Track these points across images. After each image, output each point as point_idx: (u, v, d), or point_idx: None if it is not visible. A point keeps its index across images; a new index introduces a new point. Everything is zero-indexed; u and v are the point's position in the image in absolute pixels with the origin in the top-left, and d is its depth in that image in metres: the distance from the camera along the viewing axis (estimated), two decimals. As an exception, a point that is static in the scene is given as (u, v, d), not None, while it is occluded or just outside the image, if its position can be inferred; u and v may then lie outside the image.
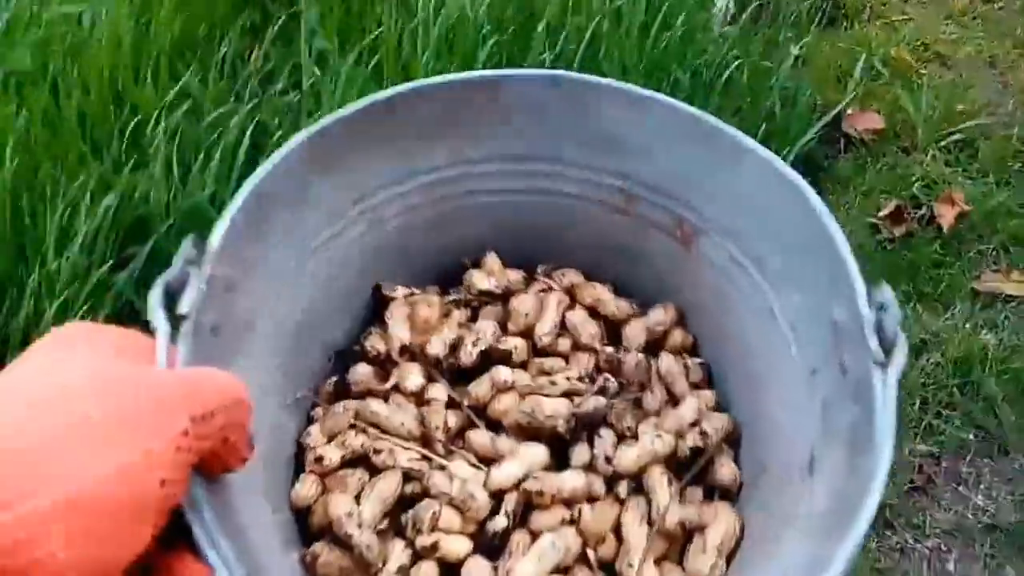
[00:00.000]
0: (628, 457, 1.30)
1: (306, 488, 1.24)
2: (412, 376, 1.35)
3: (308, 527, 1.23)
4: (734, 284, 1.36)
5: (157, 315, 0.85)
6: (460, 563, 1.19)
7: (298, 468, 1.29)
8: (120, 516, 0.58)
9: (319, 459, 1.26)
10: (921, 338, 2.18)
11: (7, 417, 0.56)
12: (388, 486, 1.22)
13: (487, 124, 1.37)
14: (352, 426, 1.30)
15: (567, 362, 1.44)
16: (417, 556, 1.19)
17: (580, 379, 1.40)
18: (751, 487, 1.29)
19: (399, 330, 1.39)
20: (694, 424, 1.35)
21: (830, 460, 1.08)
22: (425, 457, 1.27)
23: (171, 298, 0.92)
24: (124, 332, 0.73)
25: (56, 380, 0.60)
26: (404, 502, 1.25)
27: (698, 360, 1.44)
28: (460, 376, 1.40)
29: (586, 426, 1.32)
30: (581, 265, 1.54)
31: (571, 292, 1.51)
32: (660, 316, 1.46)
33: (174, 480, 0.63)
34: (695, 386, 1.43)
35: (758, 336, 1.32)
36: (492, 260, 1.52)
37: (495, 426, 1.36)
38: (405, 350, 1.39)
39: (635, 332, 1.44)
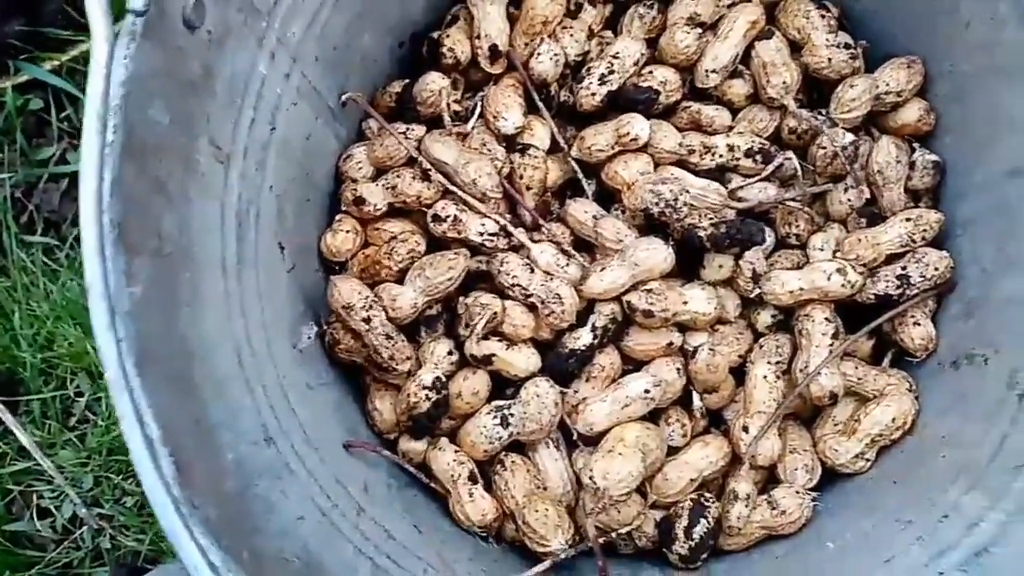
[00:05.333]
0: (786, 284, 0.91)
1: (339, 239, 0.92)
2: (511, 111, 0.93)
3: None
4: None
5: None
6: (519, 380, 0.90)
7: (334, 205, 0.95)
8: None
9: (359, 200, 0.92)
10: None
11: None
12: (441, 273, 0.87)
13: None
14: (411, 162, 0.93)
15: (734, 118, 0.99)
16: (465, 362, 0.89)
17: (750, 152, 0.95)
18: (945, 367, 0.90)
19: (491, 24, 0.94)
20: (896, 257, 0.93)
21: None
22: (503, 229, 0.91)
23: None
24: None
25: None
26: (469, 282, 0.92)
27: (932, 157, 0.96)
28: (572, 115, 0.98)
29: (737, 231, 0.91)
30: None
31: (771, 10, 0.99)
32: (898, 78, 0.94)
33: None
34: (915, 197, 0.97)
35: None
36: (663, -68, 0.98)
37: (607, 197, 0.97)
38: (497, 55, 0.94)
39: (852, 95, 0.94)
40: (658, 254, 0.89)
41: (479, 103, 0.95)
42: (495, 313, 0.87)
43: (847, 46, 0.95)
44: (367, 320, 0.85)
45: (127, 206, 0.58)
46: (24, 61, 1.33)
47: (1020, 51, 0.84)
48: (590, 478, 0.83)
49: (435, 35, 0.96)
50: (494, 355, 0.88)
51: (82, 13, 1.44)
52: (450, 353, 0.88)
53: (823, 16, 0.95)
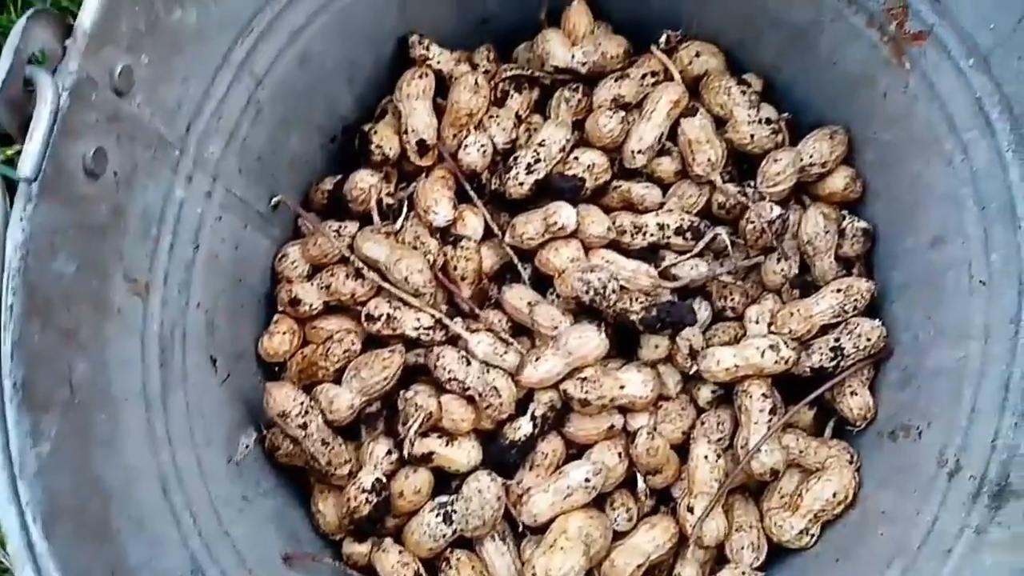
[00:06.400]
0: (721, 361, 0.91)
1: (276, 341, 0.92)
2: (441, 204, 0.93)
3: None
4: (956, 134, 0.83)
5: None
6: (463, 474, 0.90)
7: (271, 305, 0.96)
8: None
9: (295, 301, 0.93)
10: None
11: None
12: (376, 373, 0.88)
13: None
14: (344, 260, 0.94)
15: (665, 194, 0.99)
16: (404, 461, 0.90)
17: (680, 230, 0.96)
18: (884, 437, 0.90)
19: (418, 118, 0.95)
20: (830, 328, 0.93)
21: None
22: (439, 322, 0.91)
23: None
24: None
25: None
26: (410, 375, 0.92)
27: (861, 224, 0.96)
28: (506, 201, 0.98)
29: (667, 313, 0.91)
30: (724, 43, 1.00)
31: (696, 86, 1.00)
32: (821, 149, 0.95)
33: None
34: (848, 264, 0.97)
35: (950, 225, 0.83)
36: (578, 15, 0.99)
37: (545, 279, 0.97)
38: (426, 149, 0.95)
39: (776, 170, 0.95)
40: (590, 342, 0.90)
41: (409, 198, 0.96)
42: (430, 414, 0.88)
43: (768, 121, 0.96)
44: (303, 426, 0.85)
45: (32, 364, 0.58)
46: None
47: (931, 124, 0.84)
48: (533, 574, 0.83)
49: (366, 128, 0.97)
50: (433, 453, 0.88)
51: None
52: (389, 452, 0.88)
53: (744, 92, 0.96)
